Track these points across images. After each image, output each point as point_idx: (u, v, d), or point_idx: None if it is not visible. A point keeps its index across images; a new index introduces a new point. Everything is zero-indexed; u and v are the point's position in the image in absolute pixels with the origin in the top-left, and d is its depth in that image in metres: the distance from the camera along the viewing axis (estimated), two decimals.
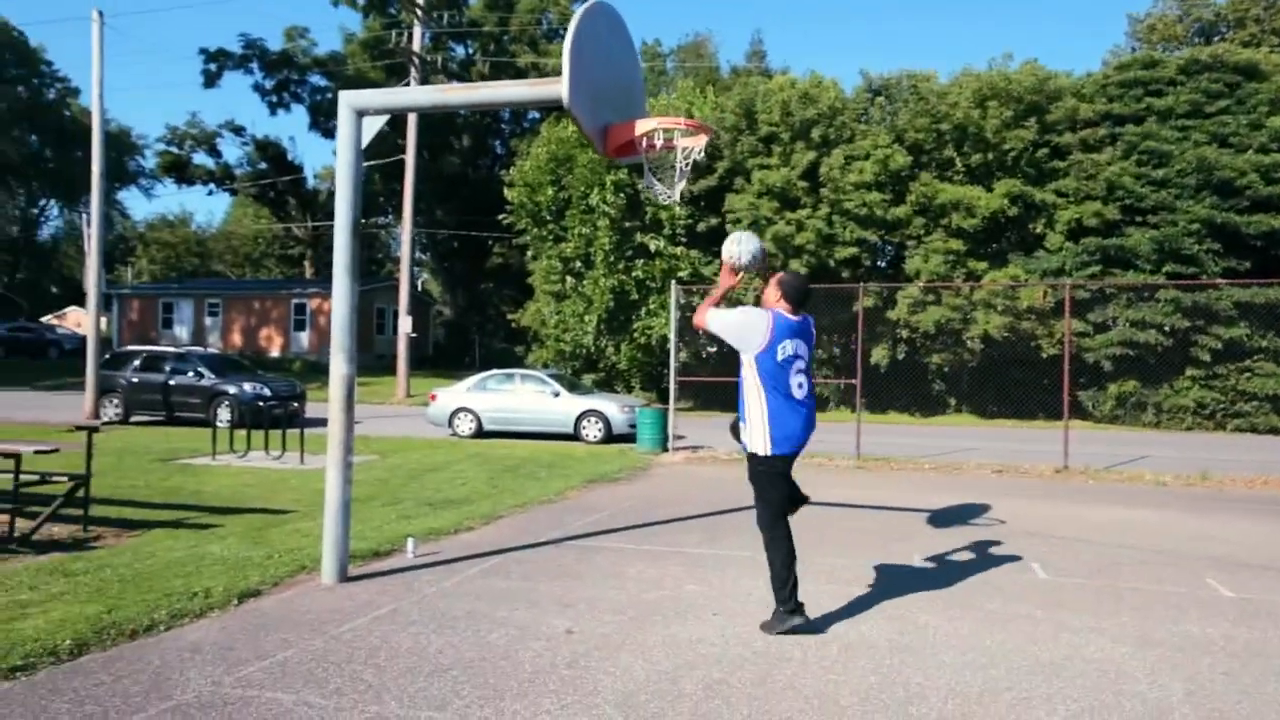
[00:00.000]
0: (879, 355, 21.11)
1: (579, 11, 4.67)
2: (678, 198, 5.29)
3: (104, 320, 44.28)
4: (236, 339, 36.85)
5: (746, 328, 4.41)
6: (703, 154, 5.21)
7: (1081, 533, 7.58)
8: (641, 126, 5.04)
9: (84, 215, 55.05)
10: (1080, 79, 22.55)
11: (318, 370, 34.21)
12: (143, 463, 11.51)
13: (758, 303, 4.76)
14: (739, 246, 4.62)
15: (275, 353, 35.94)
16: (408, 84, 28.07)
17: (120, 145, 48.24)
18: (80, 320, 47.89)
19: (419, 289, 53.15)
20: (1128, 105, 21.30)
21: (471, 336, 42.34)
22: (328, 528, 5.48)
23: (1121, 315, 19.78)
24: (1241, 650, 4.40)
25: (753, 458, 4.60)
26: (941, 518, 8.22)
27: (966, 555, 6.56)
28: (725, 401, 22.85)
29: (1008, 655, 4.25)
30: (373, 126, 5.44)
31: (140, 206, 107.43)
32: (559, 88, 4.58)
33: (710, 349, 24.85)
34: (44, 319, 51.59)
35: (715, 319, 4.56)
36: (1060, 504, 9.24)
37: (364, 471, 10.90)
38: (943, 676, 3.94)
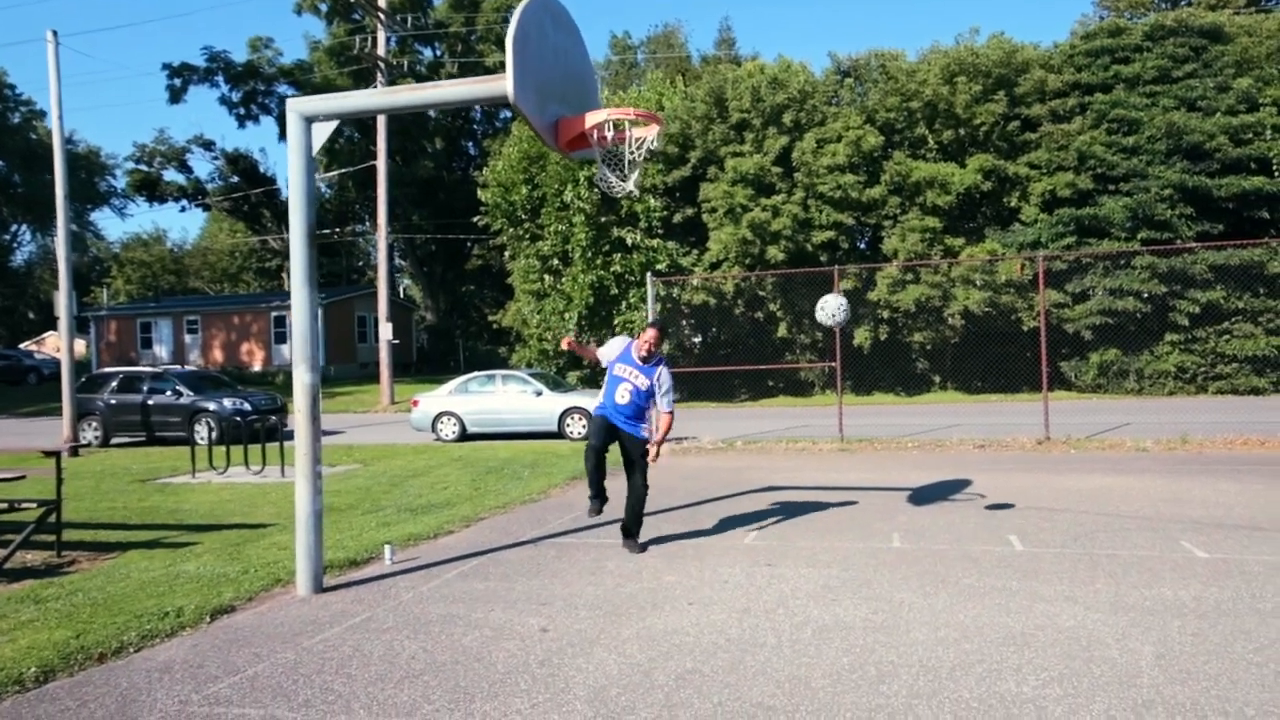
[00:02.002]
0: (861, 337, 21.16)
1: (521, 4, 4.61)
2: (632, 189, 5.25)
3: (82, 343, 43.95)
4: (217, 355, 36.58)
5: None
6: (656, 143, 5.17)
7: (1060, 502, 7.61)
8: (592, 119, 4.99)
9: (52, 237, 54.52)
10: (1048, 50, 22.63)
11: None
12: (121, 484, 11.39)
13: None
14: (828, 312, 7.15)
15: (258, 367, 35.72)
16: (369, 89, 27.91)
17: (90, 166, 47.72)
18: (59, 345, 47.48)
19: (401, 295, 52.89)
20: (1095, 74, 21.39)
21: (455, 340, 42.18)
22: (300, 539, 5.43)
23: (1099, 284, 19.89)
24: (1211, 610, 4.42)
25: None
26: (922, 495, 8.24)
27: (945, 531, 6.58)
28: (711, 392, 22.92)
29: (981, 629, 4.26)
30: (323, 133, 5.38)
31: (115, 227, 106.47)
32: (504, 84, 4.52)
33: (695, 339, 24.87)
34: (22, 345, 51.10)
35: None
36: (1041, 475, 9.29)
37: (346, 480, 10.83)
38: (915, 653, 3.94)
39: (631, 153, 4.97)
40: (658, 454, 6.28)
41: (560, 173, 23.06)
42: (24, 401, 31.06)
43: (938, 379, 22.33)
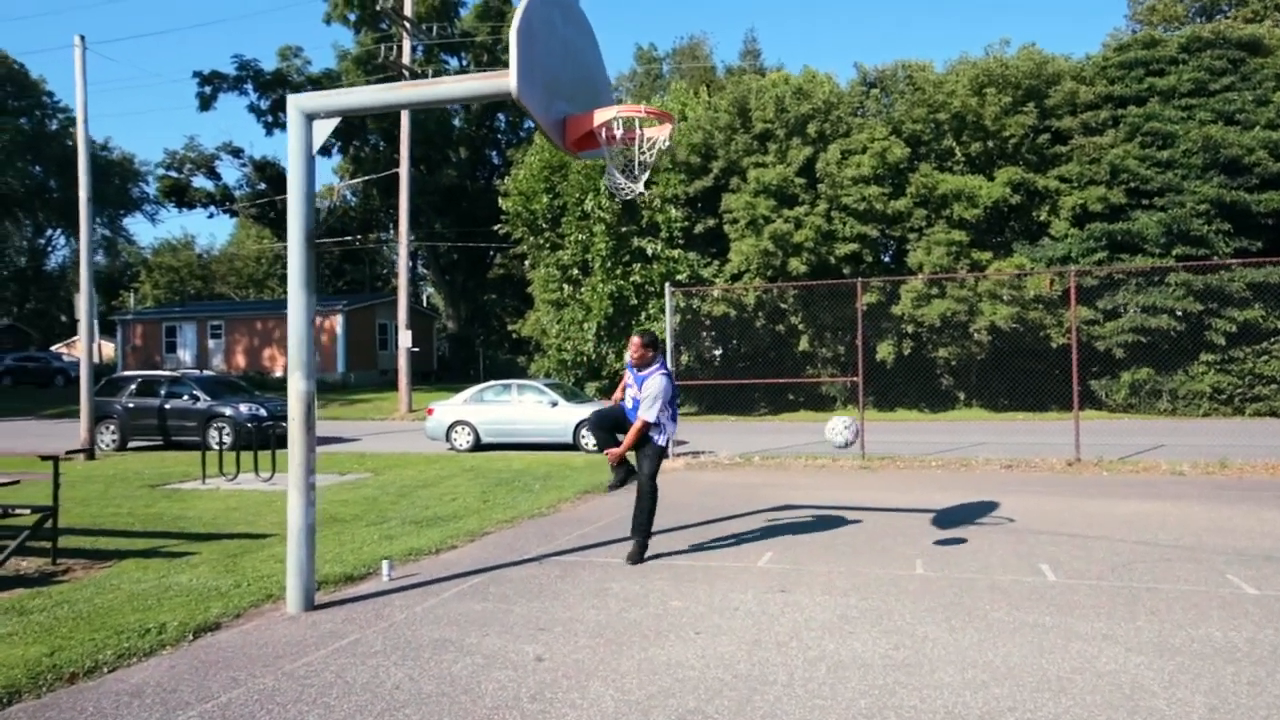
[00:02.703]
0: (884, 351, 20.73)
1: None
2: (642, 190, 4.99)
3: (110, 346, 44.43)
4: (240, 360, 36.79)
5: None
6: (668, 143, 4.91)
7: (1094, 529, 7.21)
8: (600, 116, 4.74)
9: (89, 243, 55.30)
10: (1079, 62, 22.16)
11: (322, 388, 34.07)
12: (131, 489, 11.28)
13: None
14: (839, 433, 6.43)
15: (279, 372, 35.83)
16: None
17: (124, 173, 48.43)
18: (100, 347, 48.07)
19: (425, 303, 53.05)
20: (1129, 86, 20.89)
21: (476, 349, 42.16)
22: (291, 554, 5.20)
23: (1131, 301, 19.34)
24: (1268, 656, 4.05)
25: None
26: (947, 518, 7.87)
27: (972, 558, 6.22)
28: (731, 405, 22.59)
29: (1012, 670, 3.92)
30: (323, 131, 5.18)
31: (146, 232, 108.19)
32: (508, 79, 4.29)
33: (716, 351, 24.55)
34: (53, 348, 51.81)
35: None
36: (1072, 499, 8.87)
37: (354, 490, 10.63)
38: (940, 698, 3.61)
39: (642, 153, 4.72)
40: (618, 458, 6.17)
41: (581, 182, 22.90)
42: (50, 403, 31.35)
43: (963, 396, 21.82)
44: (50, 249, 56.99)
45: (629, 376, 6.35)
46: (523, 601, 5.29)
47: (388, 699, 3.72)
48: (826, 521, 7.83)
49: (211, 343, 37.49)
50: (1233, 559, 6.05)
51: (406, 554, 6.74)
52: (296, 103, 5.17)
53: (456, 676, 3.97)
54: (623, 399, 6.49)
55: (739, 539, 7.11)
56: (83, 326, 16.85)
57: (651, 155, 4.81)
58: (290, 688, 3.88)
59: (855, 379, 13.54)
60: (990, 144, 21.26)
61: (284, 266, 54.53)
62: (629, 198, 4.99)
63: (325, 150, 45.78)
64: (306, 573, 5.21)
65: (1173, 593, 5.19)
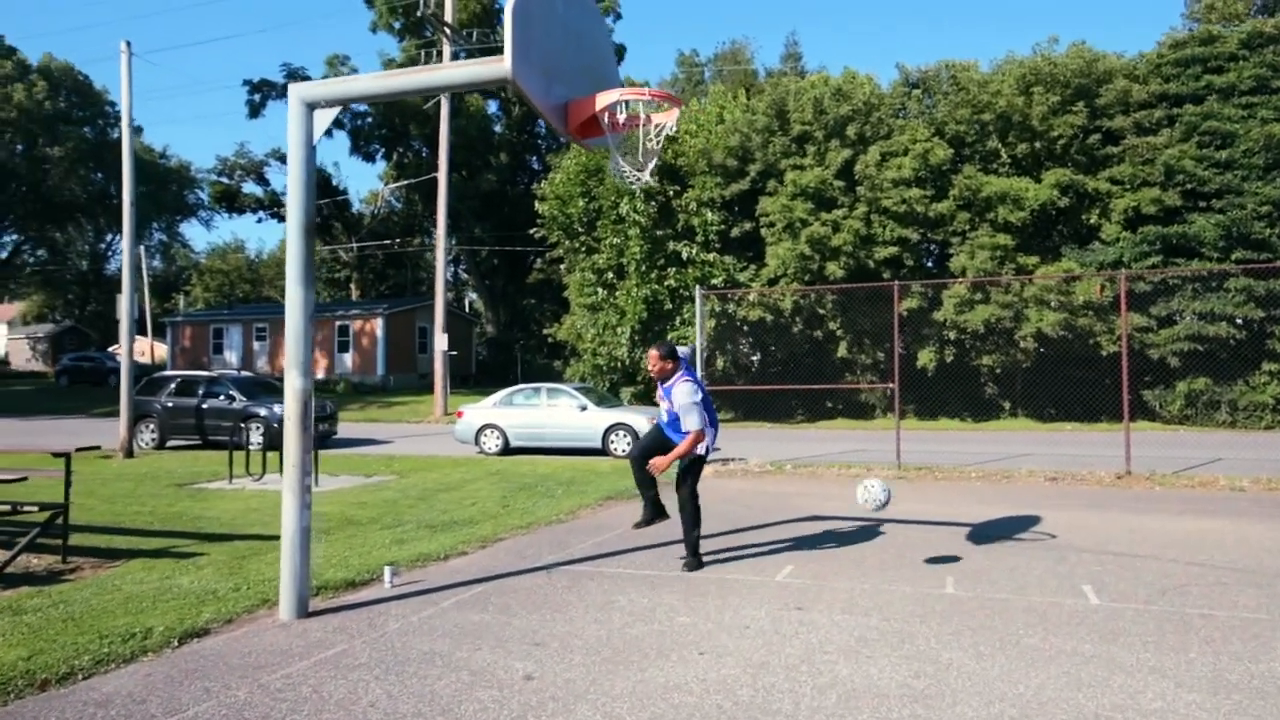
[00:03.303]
0: (925, 358, 20.13)
1: None
2: (648, 178, 4.72)
3: (161, 347, 45.56)
4: (284, 362, 37.37)
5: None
6: (675, 129, 4.64)
7: (1143, 547, 6.72)
8: (603, 99, 4.48)
9: (147, 248, 57.00)
10: (1132, 60, 21.33)
11: (361, 390, 34.45)
12: (158, 488, 11.33)
13: None
14: (870, 494, 6.04)
15: (321, 374, 36.32)
16: (437, 104, 28.12)
17: (180, 179, 49.72)
18: (144, 349, 49.40)
19: (468, 308, 53.46)
20: (1185, 84, 20.02)
21: (515, 353, 42.25)
22: (285, 559, 5.02)
23: (1188, 307, 18.48)
24: None
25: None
26: (983, 533, 7.43)
27: (1007, 577, 5.80)
28: (767, 412, 22.15)
29: (1044, 706, 3.54)
30: (324, 120, 5.01)
31: (200, 237, 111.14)
32: (504, 61, 4.07)
33: (754, 357, 24.14)
34: (111, 349, 53.42)
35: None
36: (1120, 514, 8.34)
37: (376, 492, 10.52)
38: None
39: (649, 139, 4.45)
40: (663, 467, 5.85)
41: (616, 185, 22.73)
42: (103, 402, 32.17)
43: (1007, 405, 21.08)
44: (111, 253, 58.77)
45: (660, 391, 6.17)
46: (523, 613, 5.03)
47: (361, 718, 3.49)
48: (854, 534, 7.44)
49: (256, 345, 38.19)
50: None
51: (414, 560, 6.54)
52: (297, 92, 5.01)
53: (438, 695, 3.73)
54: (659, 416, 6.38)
55: (760, 550, 6.78)
56: (124, 327, 17.12)
57: (659, 141, 4.54)
58: (262, 701, 3.67)
59: (892, 385, 13.06)
60: (1037, 145, 20.56)
61: (329, 271, 55.53)
62: (635, 185, 4.73)
63: (370, 157, 46.51)
64: (300, 579, 5.02)
65: (1230, 621, 4.73)
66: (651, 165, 4.61)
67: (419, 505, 9.49)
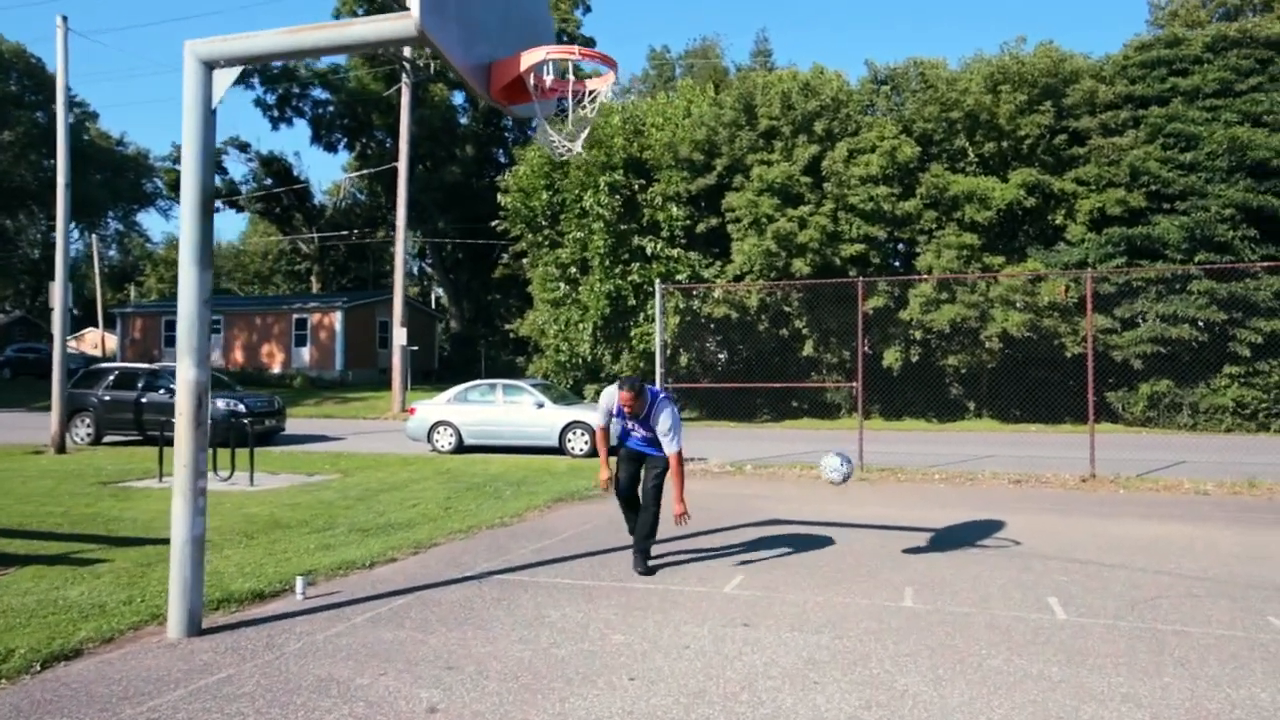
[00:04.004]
0: (891, 358, 19.91)
1: None
2: (579, 150, 4.27)
3: (112, 339, 44.14)
4: (239, 356, 36.32)
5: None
6: (610, 94, 4.20)
7: (1111, 555, 6.42)
8: (528, 59, 4.02)
9: (99, 236, 55.27)
10: (1099, 61, 21.30)
11: (319, 385, 33.53)
12: (82, 486, 10.64)
13: None
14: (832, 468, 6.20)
15: (277, 369, 35.35)
16: (397, 91, 27.38)
17: (138, 167, 48.11)
18: (97, 341, 47.81)
19: (435, 303, 52.51)
20: (1151, 86, 20.02)
21: (479, 349, 41.53)
22: (174, 571, 4.49)
23: (1151, 310, 18.46)
24: None
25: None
26: (946, 539, 7.09)
27: (969, 587, 5.45)
28: (732, 411, 21.80)
29: None
30: (225, 81, 4.49)
31: (159, 226, 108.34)
32: (412, 14, 3.60)
33: (720, 355, 23.79)
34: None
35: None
36: (1086, 519, 8.06)
37: (313, 493, 9.94)
38: None
39: (581, 107, 4.00)
40: (684, 511, 5.72)
41: (581, 178, 22.24)
42: (45, 395, 30.75)
43: (972, 405, 20.97)
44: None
45: (627, 418, 5.88)
46: (442, 630, 4.56)
47: None
48: (811, 540, 7.06)
49: (211, 337, 37.06)
50: (1272, 595, 5.25)
51: (337, 568, 6.03)
52: (193, 49, 4.48)
53: None
54: (623, 429, 6.02)
55: (711, 557, 6.36)
56: (57, 316, 16.31)
57: (593, 110, 4.09)
58: None
59: (855, 385, 12.75)
60: (1004, 144, 20.44)
61: (288, 263, 54.30)
62: (565, 158, 4.28)
63: (332, 147, 45.45)
64: (191, 593, 4.50)
65: (1205, 638, 4.40)
66: (584, 136, 4.16)
67: (356, 507, 8.95)
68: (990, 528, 7.59)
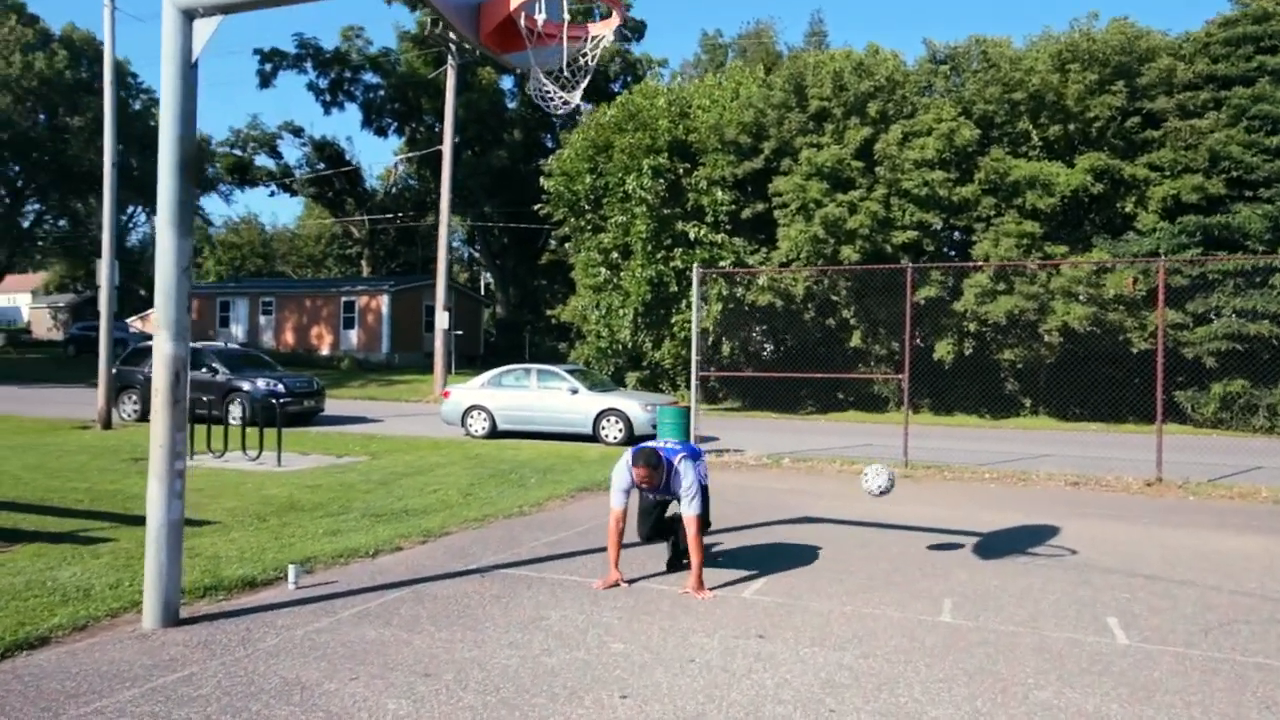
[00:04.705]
0: (943, 350, 19.08)
1: None
2: (577, 101, 3.85)
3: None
4: (290, 337, 36.89)
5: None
6: (613, 38, 3.76)
7: (1179, 570, 5.78)
8: None
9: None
10: (1178, 38, 20.01)
11: (365, 368, 33.83)
12: (113, 463, 10.65)
13: None
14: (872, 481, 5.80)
15: (325, 351, 35.80)
16: (443, 73, 27.23)
17: (201, 153, 49.23)
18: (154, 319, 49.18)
19: (483, 289, 52.70)
20: (1235, 65, 18.70)
21: (524, 334, 41.50)
22: (149, 558, 4.23)
23: (1227, 304, 17.27)
24: None
25: None
26: (993, 545, 6.51)
27: (1017, 602, 4.90)
28: (775, 402, 21.20)
29: None
30: (205, 31, 4.18)
31: (220, 212, 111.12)
32: None
33: (766, 346, 23.17)
34: (128, 320, 53.35)
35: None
36: (1151, 528, 7.38)
37: (337, 475, 9.76)
38: None
39: (581, 53, 3.57)
40: (700, 582, 4.99)
41: (624, 161, 21.78)
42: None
43: (1028, 402, 19.99)
44: (132, 225, 58.63)
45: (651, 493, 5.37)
46: (430, 630, 4.21)
47: None
48: (843, 540, 6.56)
49: (262, 319, 37.71)
50: None
51: (338, 555, 5.75)
52: None
53: None
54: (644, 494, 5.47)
55: (731, 559, 5.91)
56: (103, 294, 16.56)
57: (594, 57, 3.66)
58: None
59: (901, 377, 12.10)
60: (1071, 127, 19.34)
61: (340, 246, 55.04)
62: (561, 111, 3.86)
63: (382, 132, 45.80)
64: (167, 581, 4.23)
65: None
66: (583, 85, 3.73)
67: (376, 491, 8.72)
68: (1043, 533, 6.98)
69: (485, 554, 5.97)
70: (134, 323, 53.66)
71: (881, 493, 5.78)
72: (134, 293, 61.73)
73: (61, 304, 57.73)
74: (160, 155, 4.21)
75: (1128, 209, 19.05)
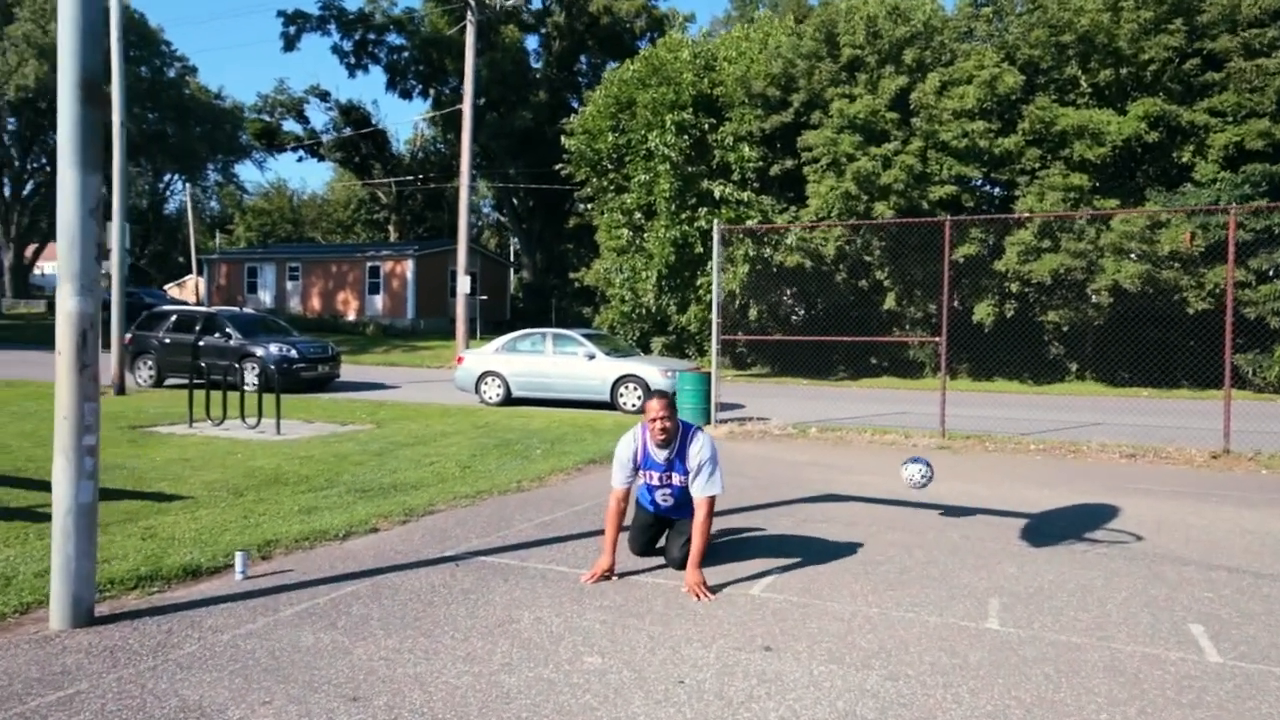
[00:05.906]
0: (983, 313, 18.07)
1: None
2: None
3: (201, 283, 45.57)
4: (315, 303, 36.72)
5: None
6: None
7: (1267, 561, 4.98)
8: None
9: (203, 189, 56.91)
10: None
11: (390, 334, 33.53)
12: (110, 430, 10.19)
13: None
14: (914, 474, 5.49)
15: (351, 316, 35.57)
16: (462, 30, 26.31)
17: (234, 120, 49.01)
18: (192, 287, 49.56)
19: (512, 254, 52.10)
20: None
21: (550, 299, 40.89)
22: (56, 547, 3.65)
23: None
24: None
25: None
26: (1043, 529, 5.75)
27: (1077, 603, 4.16)
28: (806, 368, 20.36)
29: None
30: None
31: (253, 178, 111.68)
32: None
33: (797, 310, 22.29)
34: (166, 286, 53.78)
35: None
36: (1224, 507, 6.55)
37: (334, 445, 9.23)
38: None
39: None
40: (701, 581, 4.24)
41: (647, 117, 20.85)
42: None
43: (1074, 367, 18.93)
44: (170, 193, 58.89)
45: (650, 475, 4.62)
46: (378, 635, 3.60)
47: None
48: (872, 523, 5.84)
49: (289, 284, 37.54)
50: None
51: (304, 538, 5.18)
52: None
53: None
54: (648, 494, 4.75)
55: (741, 545, 5.23)
56: (115, 258, 16.13)
57: None
58: None
59: (937, 340, 11.23)
60: (1124, 71, 17.99)
61: (368, 212, 54.70)
62: (510, 3, 3.14)
63: (407, 94, 45.02)
64: (77, 575, 3.65)
65: None
66: None
67: (369, 463, 8.16)
68: (1101, 514, 6.19)
69: (468, 536, 5.36)
70: (171, 289, 54.20)
71: (918, 487, 5.50)
72: (173, 259, 62.31)
73: (104, 271, 58.48)
74: (59, 76, 3.55)
75: (1185, 159, 17.75)
